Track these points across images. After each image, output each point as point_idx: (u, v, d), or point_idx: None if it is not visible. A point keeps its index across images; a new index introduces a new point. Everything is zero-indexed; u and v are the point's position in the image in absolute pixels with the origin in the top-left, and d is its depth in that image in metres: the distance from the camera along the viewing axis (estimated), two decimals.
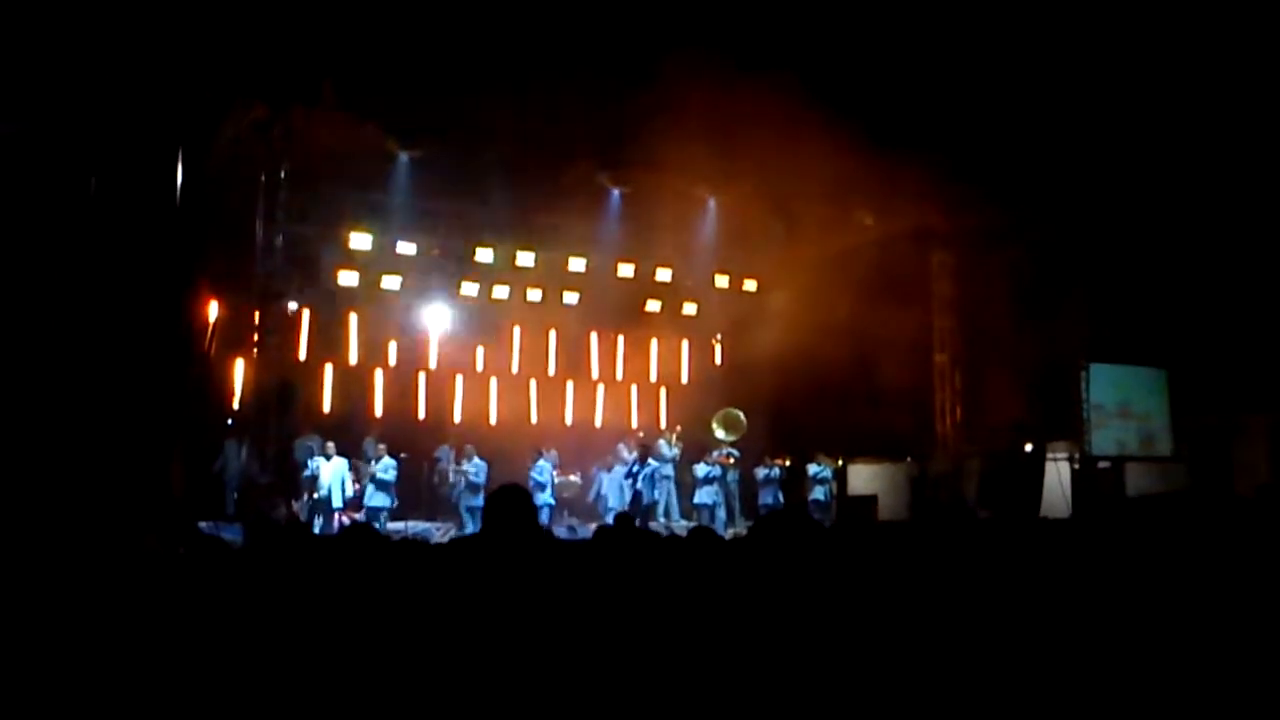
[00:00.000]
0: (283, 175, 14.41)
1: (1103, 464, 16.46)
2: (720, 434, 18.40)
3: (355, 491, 15.90)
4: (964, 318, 18.20)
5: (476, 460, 16.52)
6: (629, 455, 17.72)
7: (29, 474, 10.47)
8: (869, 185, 16.29)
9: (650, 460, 17.38)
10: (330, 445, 15.75)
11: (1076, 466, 16.37)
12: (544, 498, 16.45)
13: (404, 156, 15.87)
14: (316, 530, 14.98)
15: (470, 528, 15.78)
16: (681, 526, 17.03)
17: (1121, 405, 16.58)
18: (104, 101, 11.51)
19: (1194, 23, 12.91)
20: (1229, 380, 15.74)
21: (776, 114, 13.41)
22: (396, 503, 15.97)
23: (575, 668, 2.75)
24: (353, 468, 15.94)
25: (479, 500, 16.14)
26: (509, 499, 3.56)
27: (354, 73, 13.33)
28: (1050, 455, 16.24)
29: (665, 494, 18.08)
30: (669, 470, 18.16)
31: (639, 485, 17.08)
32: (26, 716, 2.71)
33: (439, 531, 15.78)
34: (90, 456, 10.85)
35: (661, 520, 17.45)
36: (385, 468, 15.83)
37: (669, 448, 18.22)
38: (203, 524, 12.64)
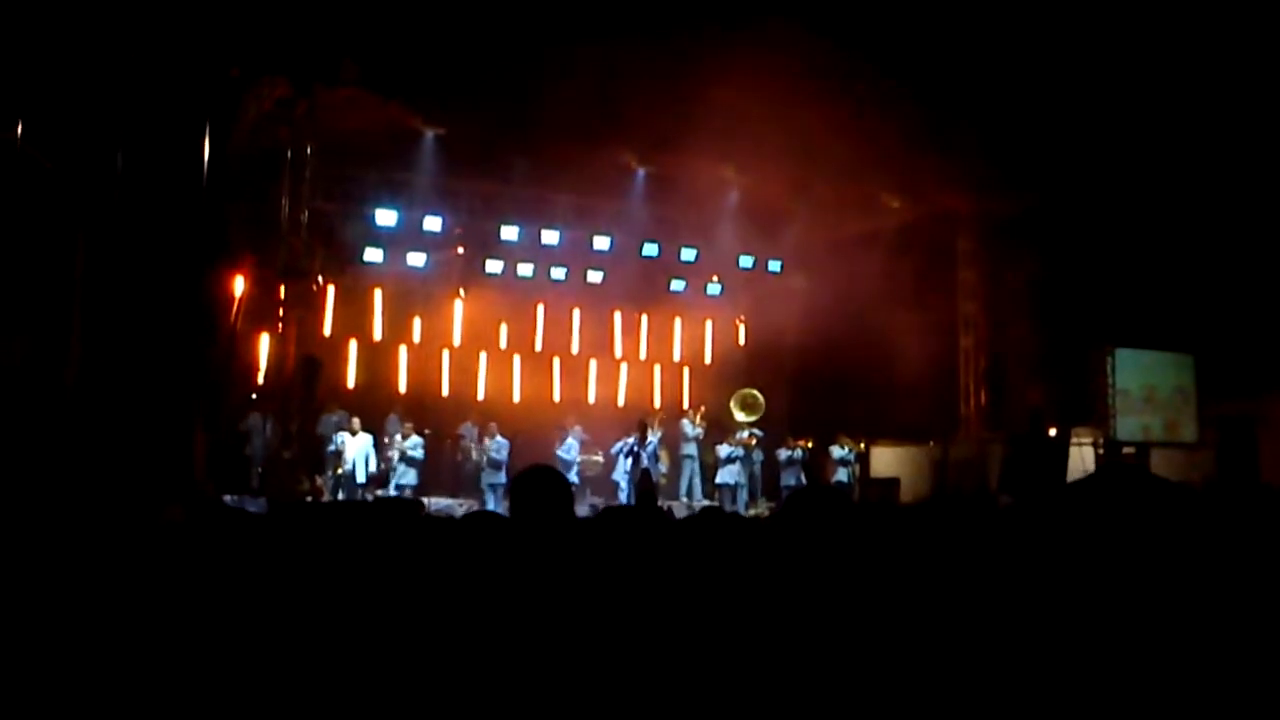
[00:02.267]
0: (308, 152, 14.44)
1: (1127, 449, 16.35)
2: (739, 415, 18.40)
3: (379, 468, 15.99)
4: (989, 301, 18.11)
5: (499, 438, 16.60)
6: (652, 434, 17.74)
7: (53, 446, 10.57)
8: (895, 168, 16.22)
9: (649, 437, 17.38)
10: (355, 421, 15.85)
11: (1101, 452, 16.27)
12: (570, 477, 16.52)
13: (429, 134, 15.88)
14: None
15: (491, 504, 15.87)
16: (702, 506, 17.06)
17: (1147, 391, 16.45)
18: (130, 78, 11.55)
19: (1220, 10, 12.76)
20: (1256, 366, 15.59)
21: (803, 95, 13.34)
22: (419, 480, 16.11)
23: (595, 649, 2.76)
24: (377, 444, 16.03)
25: (501, 477, 16.27)
26: (539, 480, 3.56)
27: (379, 49, 13.33)
28: (1074, 440, 16.12)
29: (689, 473, 18.12)
30: (693, 450, 18.20)
31: (645, 463, 17.11)
32: (47, 689, 2.73)
33: (461, 508, 15.84)
34: (115, 430, 10.94)
35: (683, 499, 17.48)
36: (414, 445, 15.94)
37: (692, 427, 18.24)
38: (227, 497, 12.75)
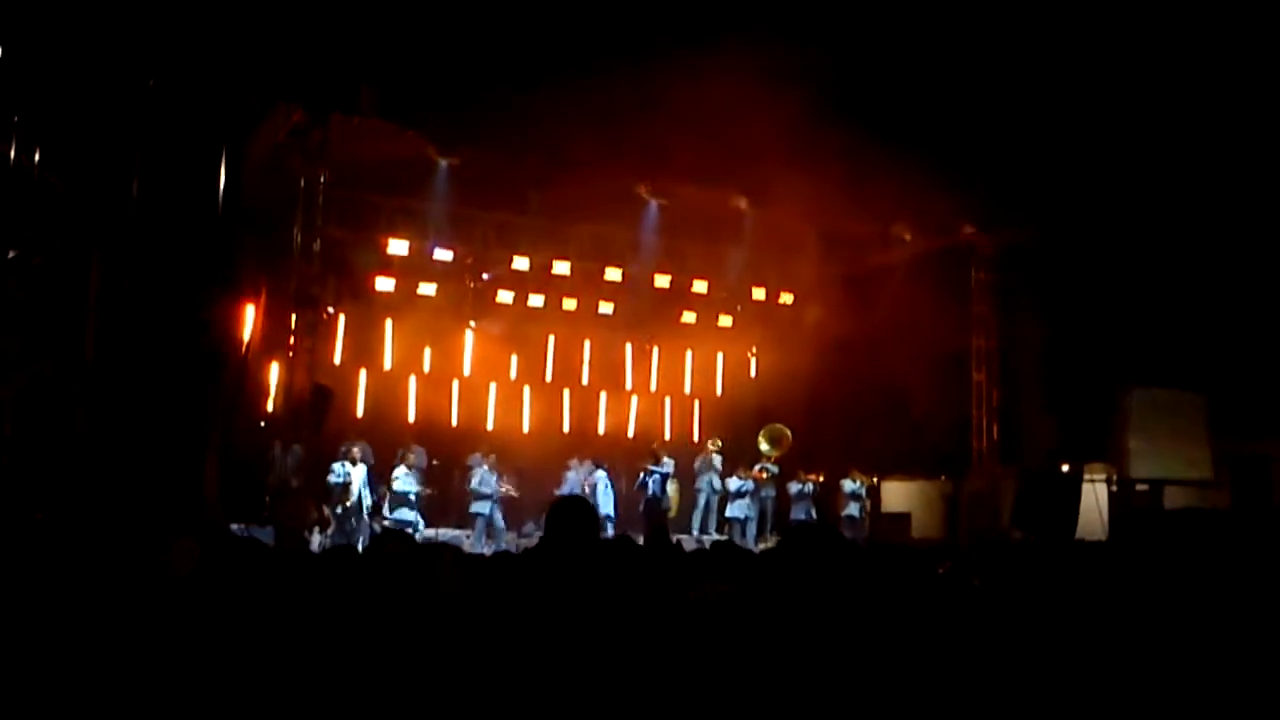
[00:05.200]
0: (321, 180, 14.45)
1: (1141, 487, 16.23)
2: (765, 448, 18.36)
3: (376, 500, 15.92)
4: (1002, 337, 18.03)
5: (484, 470, 16.53)
6: (663, 465, 17.69)
7: (67, 471, 10.55)
8: (908, 201, 16.20)
9: (655, 467, 17.36)
10: (356, 450, 15.75)
11: (1114, 489, 16.16)
12: (481, 507, 16.53)
13: (443, 163, 15.90)
14: (350, 536, 15.08)
15: (478, 535, 15.90)
16: (712, 540, 16.97)
17: (1161, 429, 16.34)
18: (146, 104, 11.61)
19: (1239, 44, 12.74)
20: (1271, 405, 15.49)
21: (817, 128, 13.34)
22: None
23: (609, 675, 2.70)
24: (371, 477, 15.91)
25: (485, 507, 16.24)
26: (570, 511, 3.51)
27: (394, 79, 13.38)
28: (1087, 477, 16.01)
29: (703, 506, 18.09)
30: (718, 482, 18.16)
31: (652, 491, 17.09)
32: (57, 710, 2.69)
33: (468, 539, 15.79)
34: (127, 456, 10.92)
35: (695, 533, 17.41)
36: (401, 476, 15.90)
37: (719, 459, 18.23)
38: (235, 526, 12.70)
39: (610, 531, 16.16)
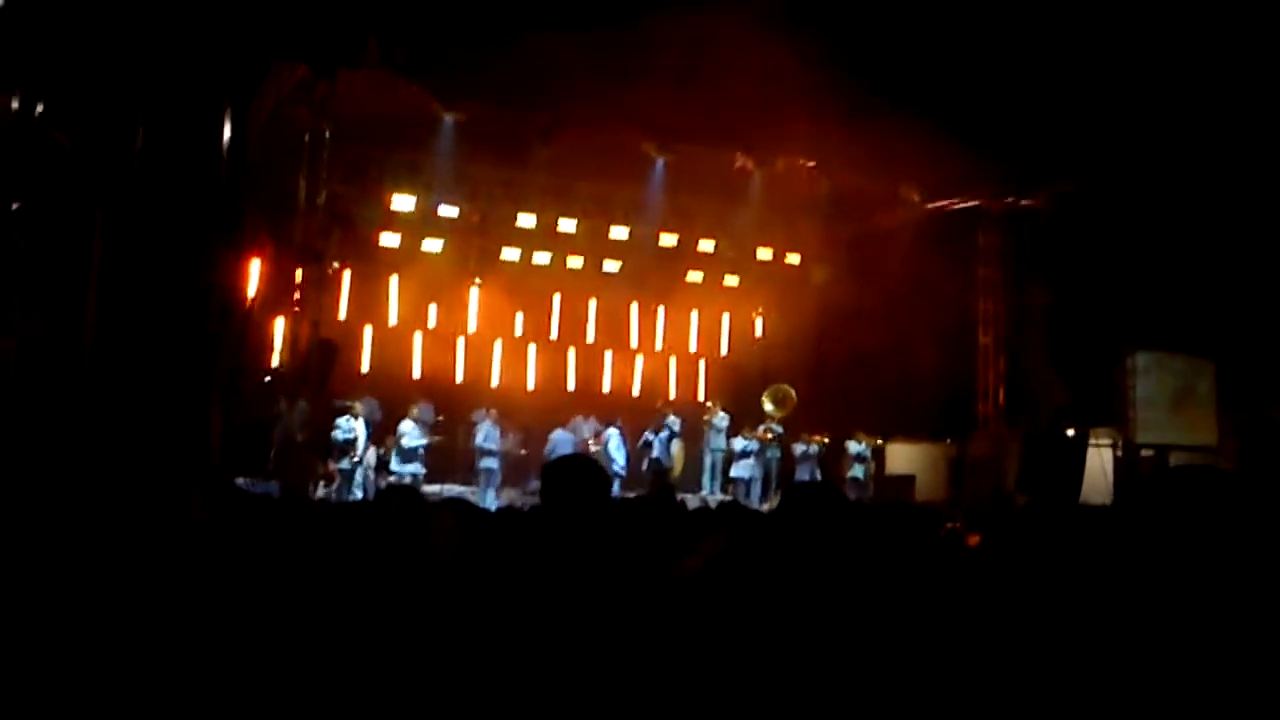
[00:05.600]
0: (326, 135, 14.38)
1: (1146, 452, 16.21)
2: (769, 408, 18.37)
3: (381, 455, 15.95)
4: (1009, 300, 17.97)
5: (487, 424, 16.54)
6: (672, 421, 17.72)
7: (70, 425, 10.55)
8: (917, 162, 16.11)
9: (663, 427, 17.39)
10: (357, 406, 15.76)
11: (1119, 454, 16.14)
12: (616, 468, 16.57)
13: (448, 119, 15.80)
14: (356, 490, 15.14)
15: (485, 495, 15.92)
16: (716, 499, 17.02)
17: (1167, 394, 16.30)
18: (150, 58, 11.52)
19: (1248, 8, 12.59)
20: (1278, 372, 15.43)
21: (825, 86, 13.23)
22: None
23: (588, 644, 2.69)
24: (378, 431, 15.92)
25: (494, 463, 16.37)
26: (573, 470, 3.48)
27: (399, 33, 13.27)
28: (1093, 441, 16.00)
29: (710, 466, 18.11)
30: (722, 442, 18.17)
31: (656, 451, 17.13)
32: (67, 673, 2.68)
33: (473, 495, 15.84)
34: (131, 410, 10.93)
35: (702, 492, 17.46)
36: (409, 432, 15.90)
37: (723, 419, 18.23)
38: (241, 481, 12.73)
39: (618, 489, 16.24)
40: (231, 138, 12.14)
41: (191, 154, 11.97)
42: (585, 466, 3.49)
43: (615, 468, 16.70)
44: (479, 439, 16.59)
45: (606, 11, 12.51)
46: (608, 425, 17.46)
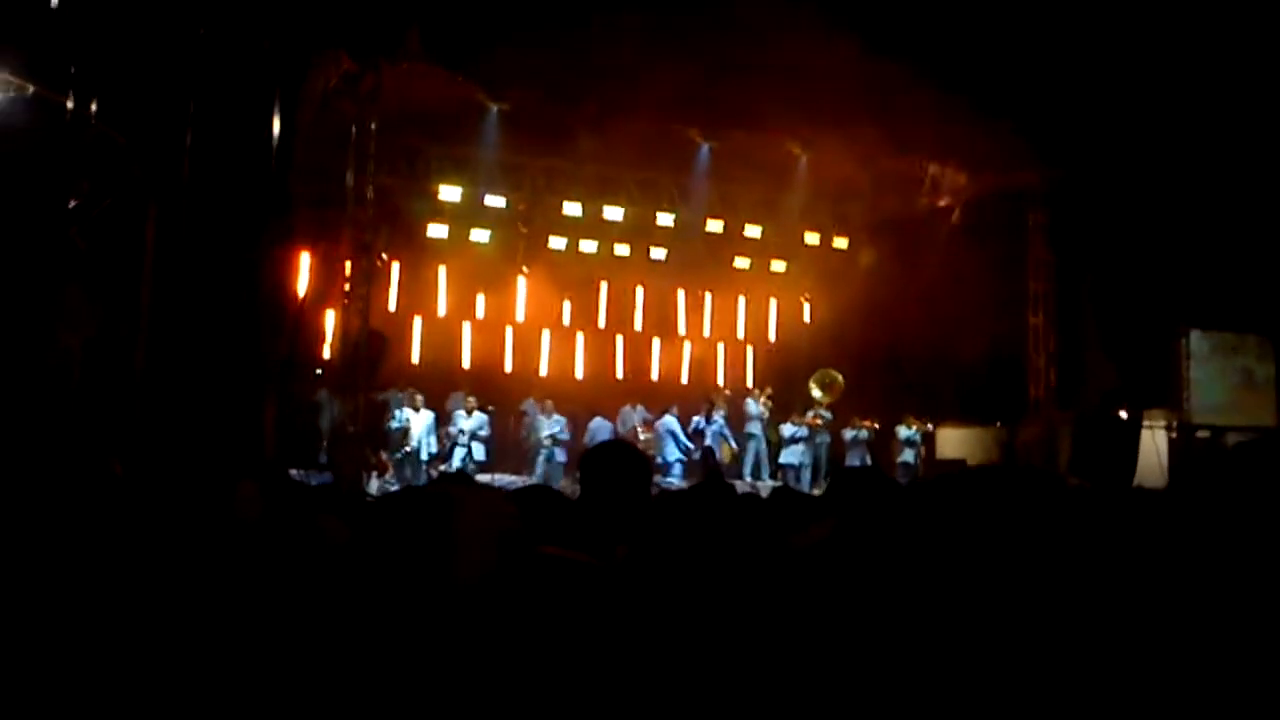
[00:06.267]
0: (372, 127, 14.47)
1: (1201, 433, 16.00)
2: (816, 394, 18.29)
3: (440, 445, 16.07)
4: (1060, 279, 17.76)
5: (556, 416, 16.62)
6: (718, 412, 17.70)
7: (125, 418, 10.73)
8: (964, 141, 15.96)
9: (714, 416, 17.36)
10: (419, 398, 15.92)
11: (1174, 435, 15.94)
12: (676, 455, 16.57)
13: (494, 109, 15.86)
14: (408, 481, 15.26)
15: (538, 476, 16.01)
16: (767, 486, 16.98)
17: (1224, 374, 16.08)
18: (199, 53, 11.65)
19: None
20: None
21: (869, 69, 13.15)
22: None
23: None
24: (439, 421, 16.08)
25: (562, 455, 16.36)
26: (614, 457, 3.49)
27: (443, 23, 13.32)
28: (1147, 423, 15.81)
29: (754, 453, 18.04)
30: (757, 429, 18.09)
31: (709, 441, 17.09)
32: (118, 665, 2.73)
33: (524, 485, 15.93)
34: (186, 403, 11.09)
35: (749, 479, 17.41)
36: (481, 423, 16.01)
37: (757, 406, 18.13)
38: (293, 472, 12.87)
39: (680, 478, 16.25)
40: (281, 131, 12.25)
41: (241, 148, 12.11)
42: (621, 453, 3.49)
43: (673, 457, 16.67)
44: (533, 427, 16.65)
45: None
46: (662, 413, 17.41)
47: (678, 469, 16.68)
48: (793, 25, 12.40)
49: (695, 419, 17.51)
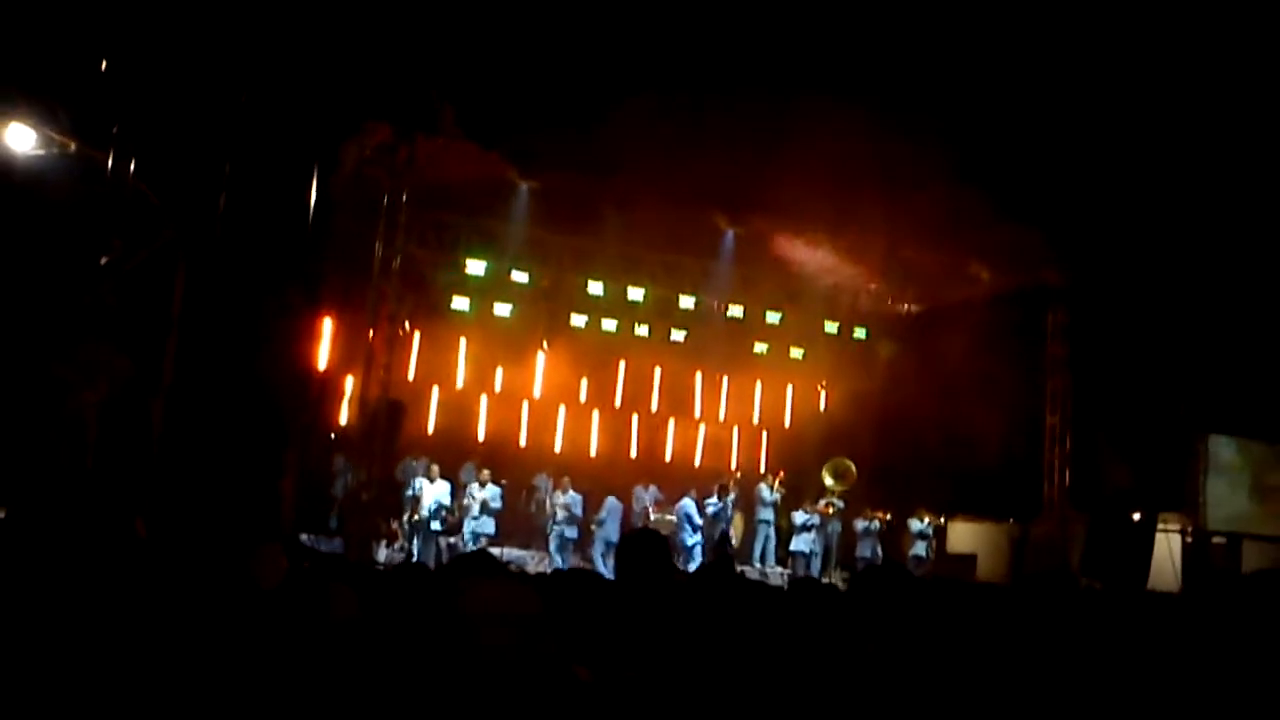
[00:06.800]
0: (403, 199, 14.68)
1: (1217, 539, 15.89)
2: (829, 482, 18.24)
3: (452, 515, 16.04)
4: (1077, 379, 17.77)
5: (572, 493, 16.59)
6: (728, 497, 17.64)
7: (145, 481, 10.78)
8: (985, 239, 16.07)
9: (727, 499, 17.33)
10: (435, 468, 15.94)
11: (1189, 540, 15.83)
12: (695, 539, 16.57)
13: (523, 186, 16.09)
14: (415, 551, 15.23)
15: (557, 559, 15.89)
16: (775, 573, 16.90)
17: (1240, 479, 16.00)
18: (237, 119, 11.88)
19: None
20: None
21: (895, 164, 13.32)
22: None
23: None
24: (454, 492, 16.07)
25: (574, 532, 16.28)
26: (644, 546, 3.54)
27: (479, 101, 13.57)
28: (1161, 526, 15.72)
29: (763, 539, 17.93)
30: (769, 515, 18.01)
31: (723, 524, 17.03)
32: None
33: (533, 560, 15.87)
34: (203, 465, 11.13)
35: (757, 565, 17.32)
36: (494, 495, 15.99)
37: (770, 492, 18.07)
38: (305, 537, 12.89)
39: (699, 558, 16.15)
40: (317, 199, 12.44)
41: (275, 215, 12.28)
42: (656, 543, 3.53)
43: (690, 540, 16.57)
44: (549, 503, 16.61)
45: (678, 87, 12.74)
46: (682, 496, 17.36)
47: (696, 553, 16.58)
48: (822, 120, 12.59)
49: (709, 502, 17.44)
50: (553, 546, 16.23)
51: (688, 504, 17.08)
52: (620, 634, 3.02)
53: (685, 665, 2.85)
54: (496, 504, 16.00)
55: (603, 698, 2.67)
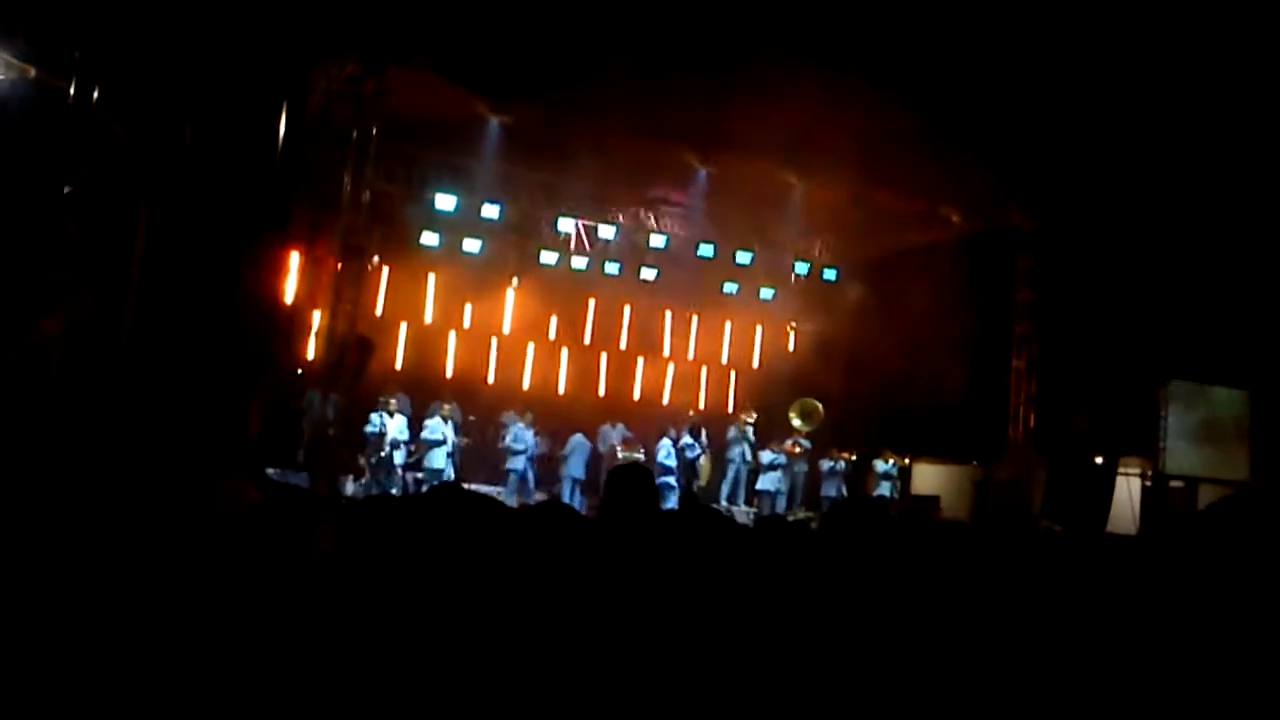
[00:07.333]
0: (372, 132, 14.50)
1: (1175, 483, 16.13)
2: (796, 422, 18.37)
3: (411, 450, 16.08)
4: (1043, 324, 17.91)
5: (519, 426, 16.64)
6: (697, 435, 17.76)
7: (108, 412, 10.69)
8: (957, 181, 16.09)
9: (696, 438, 17.45)
10: (393, 403, 15.91)
11: (1148, 484, 16.06)
12: (668, 479, 16.64)
13: (494, 121, 15.92)
14: (383, 486, 15.26)
15: (510, 489, 16.06)
16: (742, 511, 17.05)
17: (1200, 425, 16.20)
18: (204, 50, 11.67)
19: None
20: None
21: (867, 105, 13.26)
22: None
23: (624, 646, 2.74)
24: (411, 428, 16.07)
25: (517, 464, 16.42)
26: (632, 479, 3.54)
27: (449, 34, 13.39)
28: (1121, 470, 15.93)
29: (733, 477, 18.07)
30: (738, 454, 18.13)
31: (690, 458, 17.16)
32: (92, 661, 2.75)
33: (500, 494, 15.93)
34: (169, 399, 11.06)
35: (724, 504, 17.45)
36: (434, 429, 16.03)
37: (739, 431, 18.19)
38: (271, 471, 12.84)
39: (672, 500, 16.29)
40: (286, 131, 12.25)
41: (243, 148, 12.09)
42: (644, 477, 3.54)
43: (668, 478, 16.66)
44: (509, 439, 16.70)
45: (654, 24, 12.61)
46: (662, 435, 17.43)
47: (669, 495, 16.67)
48: (794, 63, 12.51)
49: (685, 443, 17.53)
50: (510, 482, 16.40)
51: (666, 444, 17.16)
52: (604, 570, 3.03)
53: (672, 599, 2.87)
54: (439, 435, 16.00)
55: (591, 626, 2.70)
